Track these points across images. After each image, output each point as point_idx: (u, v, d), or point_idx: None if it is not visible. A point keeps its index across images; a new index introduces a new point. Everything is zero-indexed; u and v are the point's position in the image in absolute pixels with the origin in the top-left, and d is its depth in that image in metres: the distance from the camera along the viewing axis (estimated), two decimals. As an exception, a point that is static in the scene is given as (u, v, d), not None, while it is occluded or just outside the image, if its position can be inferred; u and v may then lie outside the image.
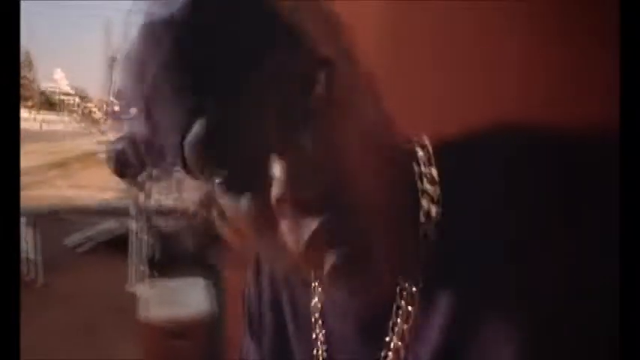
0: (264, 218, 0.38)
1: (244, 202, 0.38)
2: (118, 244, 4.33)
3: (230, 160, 0.37)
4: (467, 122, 0.46)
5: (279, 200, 0.37)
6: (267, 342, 0.57)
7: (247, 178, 0.38)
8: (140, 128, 0.39)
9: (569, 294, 0.38)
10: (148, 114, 0.37)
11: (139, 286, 3.32)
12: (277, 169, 0.36)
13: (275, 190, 0.37)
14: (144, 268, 3.91)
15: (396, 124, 0.45)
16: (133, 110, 0.39)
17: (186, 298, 2.56)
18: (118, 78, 0.40)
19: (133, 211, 4.00)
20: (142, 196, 4.37)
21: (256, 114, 0.36)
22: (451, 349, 0.42)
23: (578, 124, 0.45)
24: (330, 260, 0.38)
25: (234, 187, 0.39)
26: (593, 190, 0.40)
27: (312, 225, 0.37)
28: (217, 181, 0.38)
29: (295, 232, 0.38)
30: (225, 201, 0.40)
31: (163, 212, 5.08)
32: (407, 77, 0.73)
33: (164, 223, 4.94)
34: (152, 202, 4.88)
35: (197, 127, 0.36)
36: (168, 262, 4.05)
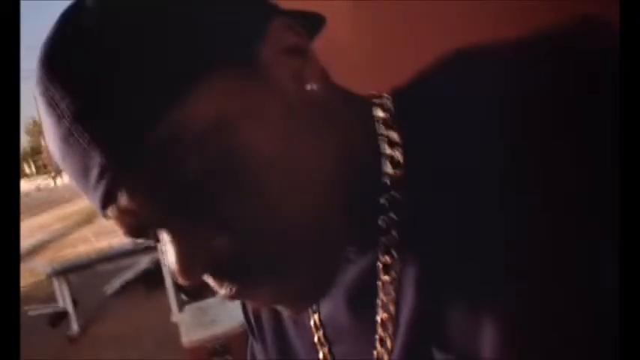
0: None
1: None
2: (154, 280, 4.39)
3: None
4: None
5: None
6: (270, 343, 0.57)
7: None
8: None
9: (560, 257, 0.34)
10: None
11: (179, 314, 3.35)
12: (169, 250, 0.38)
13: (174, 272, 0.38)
14: (180, 295, 3.95)
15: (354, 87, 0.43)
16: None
17: (222, 315, 2.57)
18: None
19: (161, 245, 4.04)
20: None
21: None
22: (429, 314, 0.40)
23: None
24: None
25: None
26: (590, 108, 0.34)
27: (226, 290, 0.39)
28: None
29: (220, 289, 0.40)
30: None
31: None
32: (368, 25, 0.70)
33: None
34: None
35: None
36: (203, 284, 4.05)
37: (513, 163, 0.35)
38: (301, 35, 0.40)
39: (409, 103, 0.42)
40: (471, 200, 0.37)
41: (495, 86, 0.37)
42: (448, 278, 0.38)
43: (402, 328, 0.42)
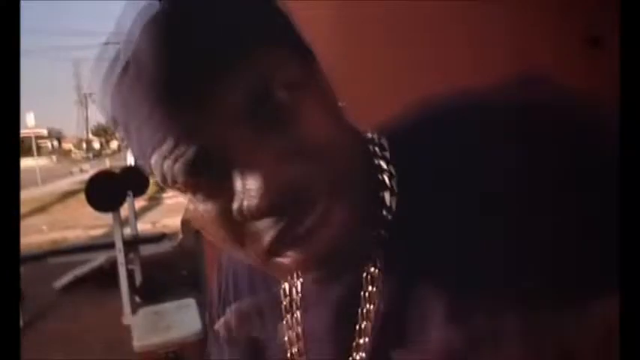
0: (231, 227, 0.41)
1: (215, 212, 0.40)
2: (108, 279, 4.30)
3: (206, 173, 0.39)
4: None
5: (238, 212, 0.39)
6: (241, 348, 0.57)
7: (218, 189, 0.40)
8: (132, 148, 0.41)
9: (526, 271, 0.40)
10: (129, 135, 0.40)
11: (131, 317, 3.30)
12: (238, 182, 0.39)
13: (235, 204, 0.39)
14: (134, 297, 3.88)
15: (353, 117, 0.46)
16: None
17: (178, 321, 2.54)
18: (104, 109, 0.42)
19: (118, 243, 3.98)
20: (125, 228, 4.35)
21: (226, 122, 0.38)
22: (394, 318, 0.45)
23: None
24: (291, 260, 0.41)
25: (208, 197, 0.41)
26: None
27: (269, 233, 0.40)
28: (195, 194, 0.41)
29: (256, 241, 0.41)
30: (200, 210, 0.41)
31: (148, 240, 5.10)
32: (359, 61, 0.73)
33: (150, 251, 4.91)
34: (136, 232, 4.88)
35: (188, 152, 0.38)
36: (158, 288, 4.02)
37: (485, 194, 0.42)
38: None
39: (397, 140, 0.48)
40: (452, 221, 0.43)
41: (462, 133, 0.44)
42: (427, 289, 0.43)
43: (374, 335, 0.46)
